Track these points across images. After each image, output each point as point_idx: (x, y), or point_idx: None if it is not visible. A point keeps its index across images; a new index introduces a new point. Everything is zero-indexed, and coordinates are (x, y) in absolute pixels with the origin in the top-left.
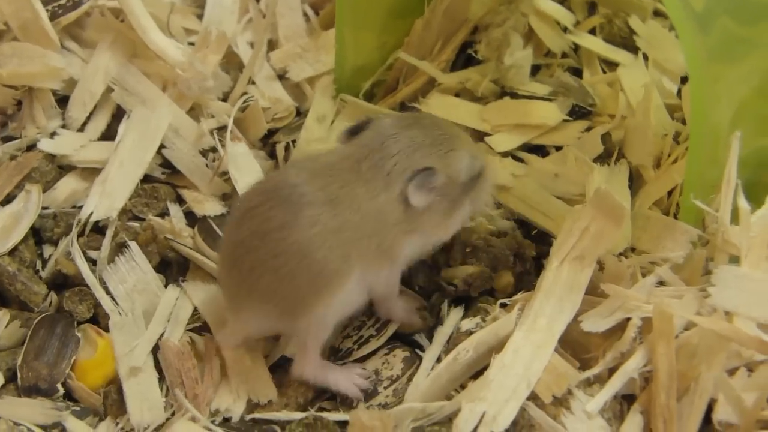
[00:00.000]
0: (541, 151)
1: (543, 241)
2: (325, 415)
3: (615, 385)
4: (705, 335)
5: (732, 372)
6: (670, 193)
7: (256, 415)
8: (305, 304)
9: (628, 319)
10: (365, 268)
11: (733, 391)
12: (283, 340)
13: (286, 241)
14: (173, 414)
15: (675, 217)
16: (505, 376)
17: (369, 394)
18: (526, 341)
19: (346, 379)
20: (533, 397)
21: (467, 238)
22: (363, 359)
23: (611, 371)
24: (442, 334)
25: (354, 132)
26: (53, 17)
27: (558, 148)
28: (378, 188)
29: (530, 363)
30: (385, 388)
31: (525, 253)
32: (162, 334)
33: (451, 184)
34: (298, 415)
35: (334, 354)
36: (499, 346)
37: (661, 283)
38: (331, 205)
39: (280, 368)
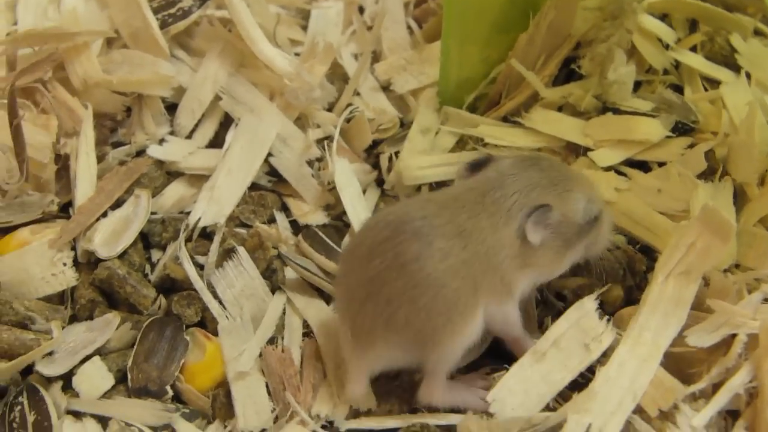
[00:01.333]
0: (643, 166)
1: (647, 255)
2: (429, 420)
3: (720, 400)
4: None
5: None
6: None
7: (359, 425)
8: (440, 333)
9: (734, 335)
10: (489, 301)
11: None
12: None
13: (423, 272)
14: (276, 419)
15: None
16: (610, 388)
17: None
18: (631, 355)
19: (472, 395)
20: (639, 411)
21: None
22: (466, 370)
23: (716, 387)
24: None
25: (474, 168)
26: (163, 26)
27: (661, 164)
28: (500, 223)
29: (636, 376)
30: None
31: (636, 267)
32: (274, 340)
33: (566, 223)
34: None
35: None
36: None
37: (766, 300)
38: (461, 237)
39: (381, 376)
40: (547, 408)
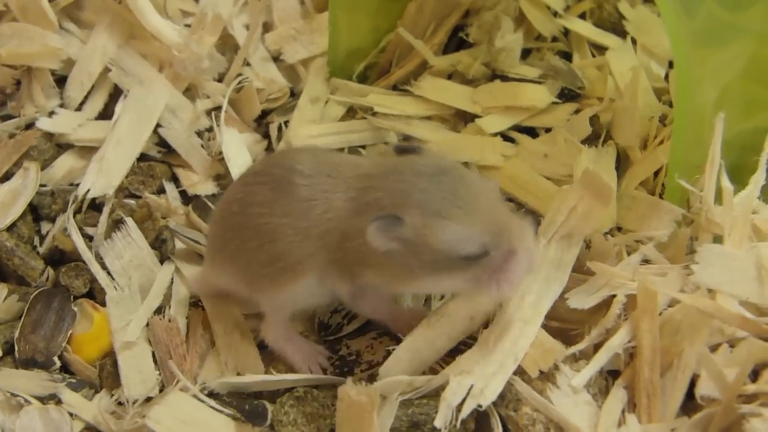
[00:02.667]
0: (531, 132)
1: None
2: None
3: (600, 360)
4: (688, 312)
5: (714, 348)
6: (656, 173)
7: (244, 380)
8: (261, 282)
9: (613, 296)
10: (325, 274)
11: (715, 366)
12: None
13: (260, 219)
14: (163, 387)
15: (660, 197)
16: (491, 350)
17: (345, 373)
18: (513, 317)
19: (302, 358)
20: (520, 372)
21: None
22: (352, 335)
23: (596, 347)
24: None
25: (399, 152)
26: None
27: (547, 130)
28: (355, 210)
29: (517, 339)
30: (362, 371)
31: None
32: (162, 309)
33: (423, 246)
34: (287, 378)
35: (325, 329)
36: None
37: (645, 262)
38: (310, 204)
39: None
40: (431, 372)
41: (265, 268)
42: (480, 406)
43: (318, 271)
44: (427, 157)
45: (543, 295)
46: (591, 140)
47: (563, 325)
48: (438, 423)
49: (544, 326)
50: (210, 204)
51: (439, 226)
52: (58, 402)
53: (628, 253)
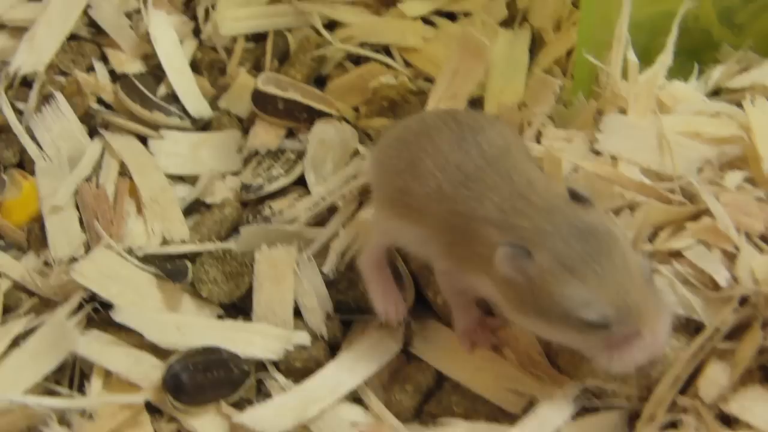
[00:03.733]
0: (450, 17)
1: None
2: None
3: None
4: (591, 178)
5: (616, 212)
6: (569, 54)
7: (169, 249)
8: (376, 201)
9: None
10: (434, 242)
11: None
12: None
13: (423, 154)
14: (89, 248)
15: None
16: None
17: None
18: None
19: (383, 298)
20: None
21: (386, 93)
22: (273, 196)
23: None
24: None
25: (574, 196)
26: None
27: (467, 15)
28: (497, 224)
29: None
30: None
31: None
32: (90, 179)
33: (544, 292)
34: (207, 246)
35: (246, 189)
36: None
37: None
38: (467, 179)
39: (195, 212)
40: None
41: (380, 192)
42: None
43: (422, 228)
44: (590, 213)
45: None
46: (508, 23)
47: None
48: (326, 268)
49: None
50: (137, 82)
51: (565, 279)
52: None
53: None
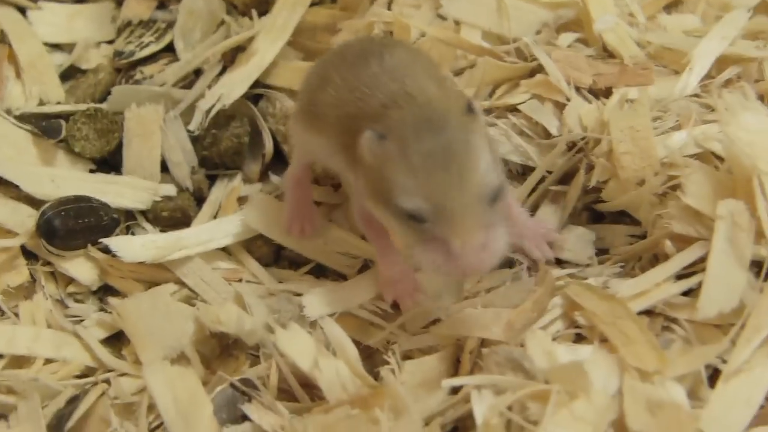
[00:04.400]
0: None
1: None
2: None
3: None
4: (435, 43)
5: (459, 72)
6: None
7: (44, 109)
8: (299, 117)
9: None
10: (331, 147)
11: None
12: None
13: (330, 71)
14: None
15: None
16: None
17: None
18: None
19: (292, 214)
20: None
21: None
22: (144, 61)
23: None
24: None
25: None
26: None
27: None
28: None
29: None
30: None
31: None
32: None
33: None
34: (81, 107)
35: (118, 55)
36: None
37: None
38: (359, 87)
39: (71, 78)
40: None
41: (308, 105)
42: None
43: (333, 140)
44: (463, 124)
45: (288, 18)
46: None
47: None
48: (192, 126)
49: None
50: None
51: (399, 166)
52: None
53: None
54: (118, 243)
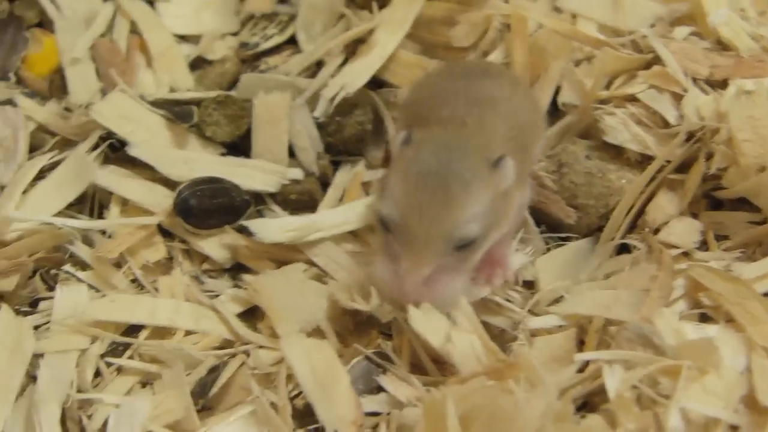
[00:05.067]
0: None
1: None
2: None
3: None
4: (552, 35)
5: (576, 64)
6: None
7: (176, 96)
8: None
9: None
10: None
11: (575, 76)
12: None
13: None
14: (104, 94)
15: None
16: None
17: None
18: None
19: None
20: None
21: None
22: (268, 52)
23: None
24: None
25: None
26: None
27: None
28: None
29: (385, 45)
30: None
31: None
32: (104, 36)
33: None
34: (211, 94)
35: (243, 46)
36: None
37: None
38: None
39: (198, 68)
40: None
41: (405, 109)
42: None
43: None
44: (476, 162)
45: (406, 11)
46: None
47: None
48: (317, 113)
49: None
50: None
51: (401, 174)
52: (15, 106)
53: None
54: (256, 225)
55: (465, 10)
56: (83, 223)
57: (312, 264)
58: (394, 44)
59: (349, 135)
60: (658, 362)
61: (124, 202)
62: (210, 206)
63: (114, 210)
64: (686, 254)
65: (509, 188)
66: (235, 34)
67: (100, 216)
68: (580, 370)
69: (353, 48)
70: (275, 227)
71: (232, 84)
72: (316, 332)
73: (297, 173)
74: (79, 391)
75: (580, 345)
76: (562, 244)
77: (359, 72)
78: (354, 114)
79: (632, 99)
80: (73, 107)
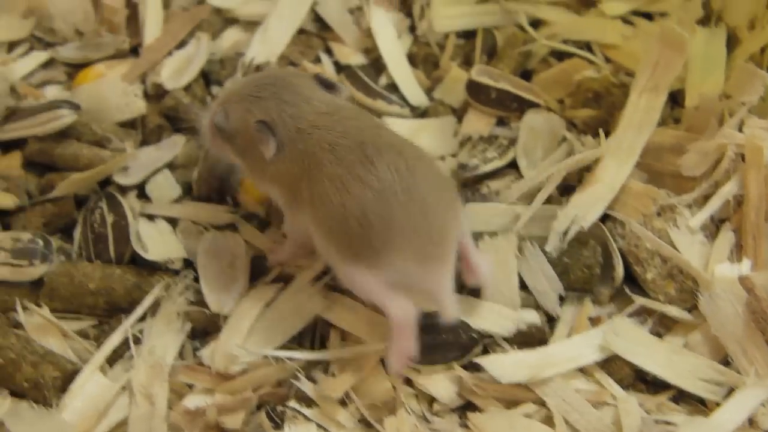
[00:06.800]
0: (648, 17)
1: None
2: None
3: (713, 205)
4: None
5: None
6: (762, 50)
7: None
8: None
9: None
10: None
11: None
12: None
13: None
14: None
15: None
16: (593, 187)
17: None
18: (610, 160)
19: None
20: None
21: (590, 86)
22: (488, 176)
23: (706, 198)
24: None
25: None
26: None
27: (663, 15)
28: None
29: (614, 175)
30: None
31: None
32: None
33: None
34: None
35: (462, 167)
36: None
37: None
38: None
39: None
40: None
41: None
42: (582, 227)
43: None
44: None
45: (635, 139)
46: (703, 22)
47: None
48: (549, 247)
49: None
50: (360, 72)
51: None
52: (235, 230)
53: (730, 116)
54: (489, 362)
55: (695, 138)
56: (307, 354)
57: (542, 404)
58: (625, 174)
59: (576, 278)
60: None
61: (344, 335)
62: (434, 342)
63: (334, 341)
64: None
65: None
66: (453, 155)
67: (322, 345)
68: None
69: (578, 175)
70: (508, 364)
71: None
72: None
73: (533, 317)
74: None
75: None
76: None
77: (590, 204)
78: (582, 256)
79: None
80: None
